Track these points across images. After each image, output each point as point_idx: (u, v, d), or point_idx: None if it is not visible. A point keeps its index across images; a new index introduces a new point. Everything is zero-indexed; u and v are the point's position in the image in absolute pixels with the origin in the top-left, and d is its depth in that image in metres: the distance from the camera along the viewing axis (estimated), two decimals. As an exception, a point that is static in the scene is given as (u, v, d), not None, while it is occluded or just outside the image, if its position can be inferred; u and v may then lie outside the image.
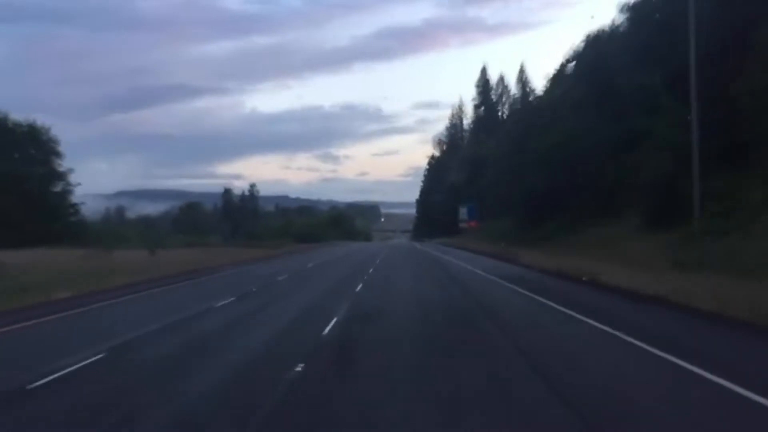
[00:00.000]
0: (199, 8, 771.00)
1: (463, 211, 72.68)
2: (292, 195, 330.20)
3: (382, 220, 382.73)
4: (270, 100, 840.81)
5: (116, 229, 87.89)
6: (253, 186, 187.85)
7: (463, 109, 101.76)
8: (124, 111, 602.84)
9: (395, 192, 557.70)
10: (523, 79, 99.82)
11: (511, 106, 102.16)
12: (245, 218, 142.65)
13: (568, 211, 38.93)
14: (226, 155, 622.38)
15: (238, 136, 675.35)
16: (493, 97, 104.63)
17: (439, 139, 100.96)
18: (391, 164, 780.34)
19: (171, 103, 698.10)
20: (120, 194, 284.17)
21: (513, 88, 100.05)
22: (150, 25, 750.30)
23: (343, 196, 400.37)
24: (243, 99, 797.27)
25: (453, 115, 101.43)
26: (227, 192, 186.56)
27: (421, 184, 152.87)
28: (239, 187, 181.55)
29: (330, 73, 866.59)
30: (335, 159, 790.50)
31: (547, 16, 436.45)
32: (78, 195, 65.75)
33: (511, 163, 52.18)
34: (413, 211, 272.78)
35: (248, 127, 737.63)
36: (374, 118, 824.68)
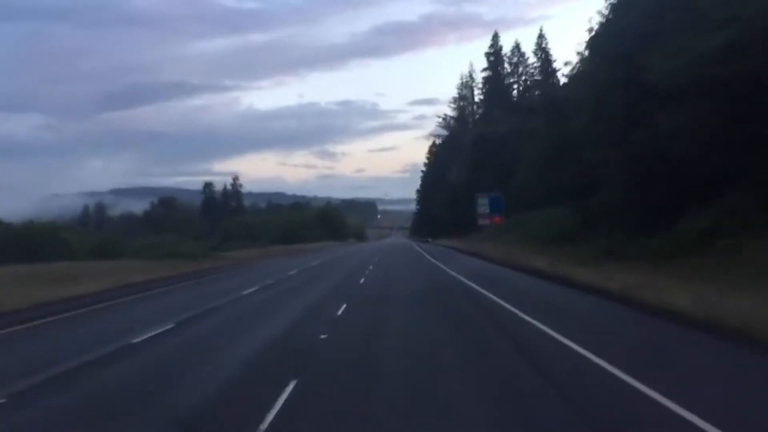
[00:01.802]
0: (196, 5, 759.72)
1: (482, 203, 54.19)
2: (289, 192, 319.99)
3: (379, 217, 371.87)
4: (267, 97, 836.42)
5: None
6: (236, 179, 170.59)
7: (474, 77, 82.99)
8: (120, 109, 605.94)
9: (393, 188, 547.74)
10: (543, 46, 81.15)
11: (530, 76, 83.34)
12: (228, 215, 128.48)
13: (715, 206, 19.77)
14: (222, 153, 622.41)
15: (235, 133, 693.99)
16: (506, 66, 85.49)
17: (444, 116, 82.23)
18: (388, 161, 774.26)
19: (167, 100, 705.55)
20: (113, 192, 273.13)
21: (531, 57, 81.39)
22: (146, 23, 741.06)
23: (341, 193, 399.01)
24: (239, 96, 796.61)
25: (462, 85, 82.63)
26: (208, 186, 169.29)
27: (422, 174, 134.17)
28: (220, 181, 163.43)
29: (327, 69, 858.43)
30: (332, 156, 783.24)
31: (545, 11, 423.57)
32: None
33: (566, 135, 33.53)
34: (411, 207, 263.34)
35: (245, 124, 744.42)
36: (371, 114, 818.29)
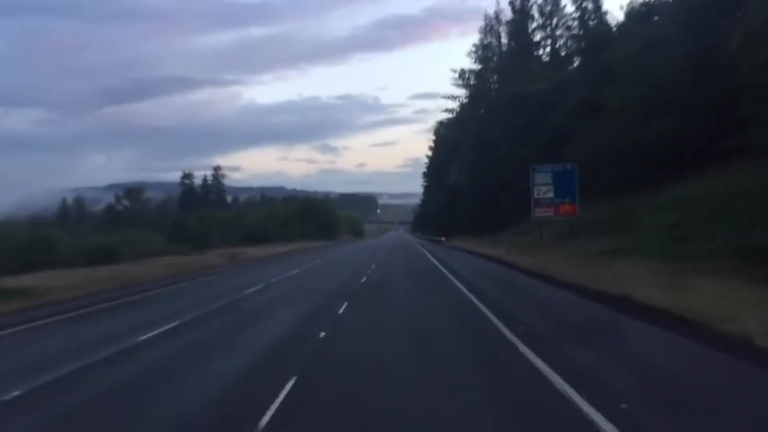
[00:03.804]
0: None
1: (542, 181, 32.90)
2: (289, 186, 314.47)
3: (378, 211, 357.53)
4: (268, 91, 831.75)
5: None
6: (217, 169, 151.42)
7: (501, 19, 60.46)
8: (121, 103, 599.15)
9: (394, 183, 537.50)
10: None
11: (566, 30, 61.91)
12: (209, 208, 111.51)
13: None
14: (223, 147, 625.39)
15: (236, 128, 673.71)
16: (536, 19, 63.69)
17: (461, 72, 60.27)
18: (389, 155, 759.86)
19: (168, 95, 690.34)
20: (113, 186, 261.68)
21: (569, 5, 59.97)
22: (147, 17, 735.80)
23: (342, 188, 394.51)
24: (241, 91, 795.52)
25: (485, 29, 60.00)
26: (187, 177, 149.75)
27: (427, 160, 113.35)
28: (200, 173, 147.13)
29: (328, 63, 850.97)
30: (334, 150, 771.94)
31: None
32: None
33: None
34: (411, 202, 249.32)
35: (246, 118, 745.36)
36: (373, 108, 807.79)
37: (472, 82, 59.66)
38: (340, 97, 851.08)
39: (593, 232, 30.31)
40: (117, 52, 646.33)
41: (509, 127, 50.85)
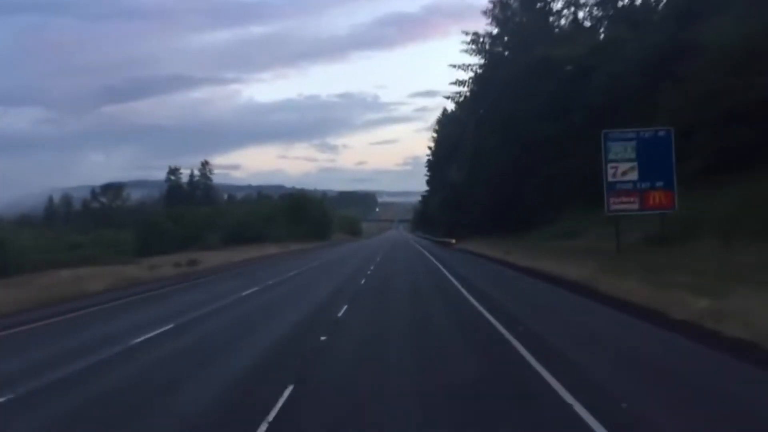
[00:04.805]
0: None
1: (620, 155, 21.26)
2: (289, 185, 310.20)
3: (377, 210, 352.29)
4: (267, 89, 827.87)
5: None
6: (204, 164, 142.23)
7: None
8: (120, 102, 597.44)
9: (393, 181, 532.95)
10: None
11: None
12: (195, 205, 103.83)
13: None
14: (223, 146, 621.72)
15: (235, 126, 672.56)
16: None
17: (474, 35, 48.41)
18: (389, 153, 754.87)
19: (167, 93, 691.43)
20: (110, 185, 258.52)
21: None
22: (146, 15, 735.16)
23: (341, 186, 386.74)
24: (240, 89, 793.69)
25: None
26: (173, 173, 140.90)
27: (429, 153, 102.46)
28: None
29: (328, 62, 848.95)
30: (333, 148, 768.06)
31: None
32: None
33: None
34: (411, 200, 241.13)
35: (245, 117, 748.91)
36: (372, 107, 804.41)
37: (487, 47, 48.67)
38: (340, 96, 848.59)
39: (694, 234, 19.66)
40: (116, 51, 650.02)
41: (536, 99, 40.01)
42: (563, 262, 19.81)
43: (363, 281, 21.92)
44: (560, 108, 39.16)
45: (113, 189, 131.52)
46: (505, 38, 48.48)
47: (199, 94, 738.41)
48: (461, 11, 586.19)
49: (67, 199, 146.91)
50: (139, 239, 73.00)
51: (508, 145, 42.76)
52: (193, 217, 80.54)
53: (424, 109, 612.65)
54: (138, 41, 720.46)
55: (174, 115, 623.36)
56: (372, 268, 29.81)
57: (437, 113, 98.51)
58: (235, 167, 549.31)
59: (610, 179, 22.64)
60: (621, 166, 22.30)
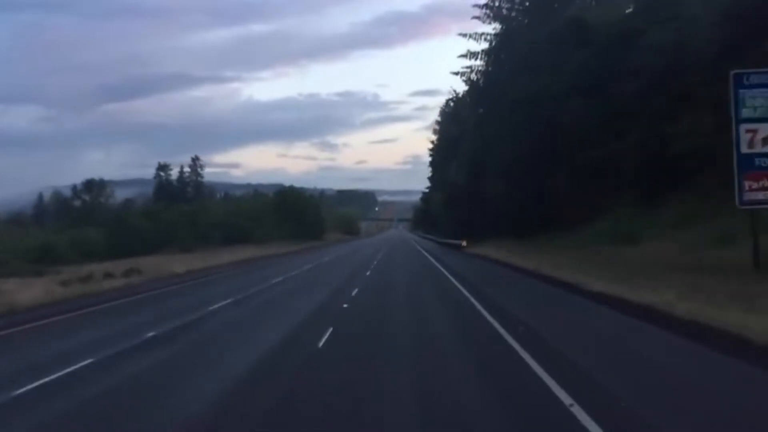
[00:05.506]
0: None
1: (759, 112, 13.02)
2: (288, 184, 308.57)
3: (377, 209, 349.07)
4: (267, 88, 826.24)
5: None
6: (195, 160, 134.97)
7: None
8: (120, 100, 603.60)
9: (393, 180, 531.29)
10: None
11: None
12: (185, 203, 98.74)
13: None
14: (223, 144, 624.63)
15: (235, 125, 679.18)
16: None
17: (486, 5, 40.52)
18: (389, 152, 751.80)
19: (167, 92, 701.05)
20: (107, 183, 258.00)
21: None
22: (146, 13, 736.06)
23: (341, 185, 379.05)
24: (240, 87, 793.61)
25: None
26: (163, 169, 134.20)
27: (431, 147, 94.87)
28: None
29: (328, 60, 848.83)
30: (333, 147, 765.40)
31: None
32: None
33: None
34: (411, 198, 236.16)
35: (245, 115, 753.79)
36: (372, 105, 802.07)
37: (504, 12, 40.70)
38: (340, 94, 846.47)
39: None
40: (116, 49, 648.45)
41: (567, 72, 32.39)
42: (672, 289, 11.80)
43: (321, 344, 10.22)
44: (597, 80, 31.51)
45: (96, 186, 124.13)
46: (526, 2, 40.84)
47: (199, 92, 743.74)
48: (462, 10, 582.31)
49: (57, 197, 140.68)
50: (112, 239, 65.95)
51: (530, 129, 35.05)
52: (170, 214, 73.12)
53: (424, 108, 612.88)
54: (138, 39, 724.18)
55: (174, 114, 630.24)
56: (356, 291, 18.58)
57: (437, 112, 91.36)
58: (235, 166, 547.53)
59: (744, 150, 14.19)
60: (763, 129, 14.00)
